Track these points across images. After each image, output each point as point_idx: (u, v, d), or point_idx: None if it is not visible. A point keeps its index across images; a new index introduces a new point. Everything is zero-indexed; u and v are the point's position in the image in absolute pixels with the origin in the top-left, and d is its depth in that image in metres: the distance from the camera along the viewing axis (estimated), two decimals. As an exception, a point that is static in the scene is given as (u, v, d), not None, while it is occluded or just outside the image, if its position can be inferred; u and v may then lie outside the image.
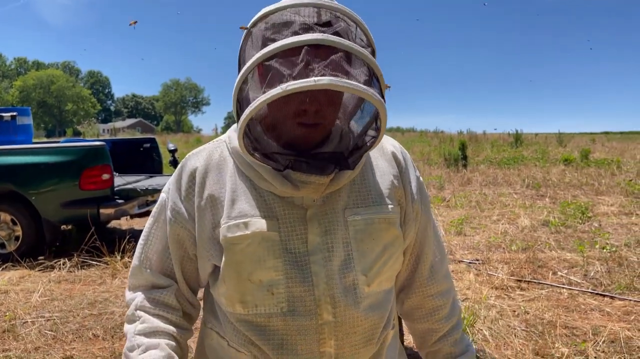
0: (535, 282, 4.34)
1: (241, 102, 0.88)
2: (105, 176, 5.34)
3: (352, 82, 0.80)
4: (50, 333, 3.50)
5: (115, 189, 5.54)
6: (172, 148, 7.04)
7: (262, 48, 0.88)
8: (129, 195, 5.61)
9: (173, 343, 1.01)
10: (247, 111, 0.83)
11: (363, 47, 0.90)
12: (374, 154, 1.08)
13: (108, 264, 4.95)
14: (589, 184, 9.89)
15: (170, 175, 1.09)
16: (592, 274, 4.47)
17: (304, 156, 0.91)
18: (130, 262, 4.86)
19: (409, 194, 1.08)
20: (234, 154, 1.02)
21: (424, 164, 13.96)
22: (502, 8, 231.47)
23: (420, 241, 1.14)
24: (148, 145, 7.19)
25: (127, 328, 1.04)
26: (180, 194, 1.03)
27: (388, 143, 1.12)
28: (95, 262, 5.06)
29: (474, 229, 6.40)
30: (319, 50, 0.83)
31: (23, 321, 3.70)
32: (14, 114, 6.37)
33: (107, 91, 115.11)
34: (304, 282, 0.95)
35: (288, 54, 0.83)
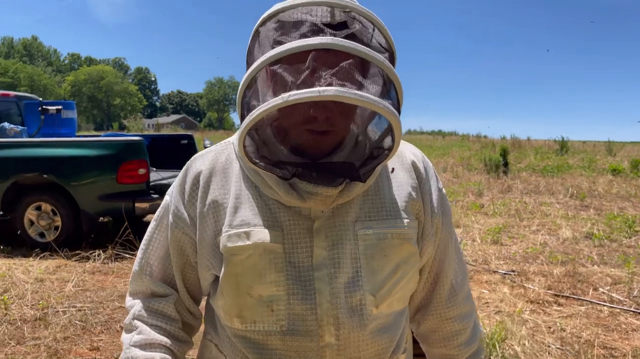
0: (574, 297, 4.14)
1: (244, 107, 0.82)
2: (142, 171, 5.43)
3: (361, 93, 0.73)
4: (79, 323, 3.56)
5: (151, 183, 5.63)
6: (209, 145, 7.11)
7: (269, 50, 0.82)
8: (164, 190, 5.68)
9: (168, 357, 0.97)
10: (245, 121, 0.78)
11: (380, 51, 0.83)
12: (391, 162, 1.01)
13: (141, 258, 5.03)
14: (639, 196, 9.43)
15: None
16: (636, 293, 4.23)
17: (312, 165, 0.85)
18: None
19: (428, 207, 1.00)
20: (241, 158, 0.96)
21: (464, 169, 13.66)
22: (553, 8, 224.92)
23: (440, 259, 1.05)
24: (185, 141, 7.29)
25: (124, 337, 1.00)
26: (184, 198, 0.98)
27: (408, 151, 1.04)
28: (128, 255, 5.15)
29: (512, 239, 6.19)
30: (328, 56, 0.76)
31: (55, 310, 3.78)
32: (59, 107, 6.57)
33: (153, 87, 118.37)
34: (306, 299, 0.89)
35: (294, 59, 0.77)
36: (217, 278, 0.97)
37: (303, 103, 0.76)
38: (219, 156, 1.00)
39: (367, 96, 0.74)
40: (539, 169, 13.89)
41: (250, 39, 0.88)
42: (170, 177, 6.30)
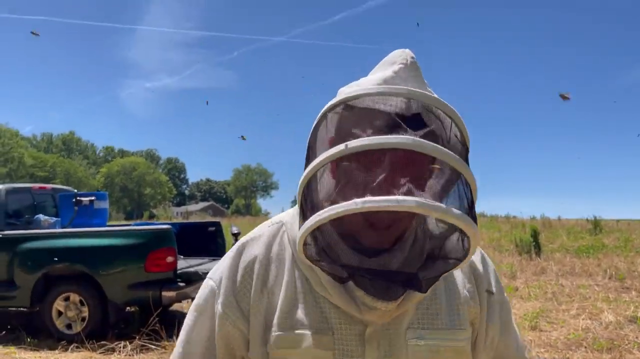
0: (624, 389, 3.84)
1: (306, 200, 0.77)
2: (170, 259, 5.46)
3: (442, 205, 0.69)
4: (102, 420, 3.44)
5: (178, 271, 5.62)
6: (235, 231, 7.15)
7: (336, 138, 0.78)
8: (191, 278, 5.67)
9: None
10: (312, 220, 0.72)
11: (459, 151, 0.76)
12: None
13: (166, 349, 4.92)
14: (682, 276, 8.97)
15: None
16: (693, 383, 3.90)
17: (372, 272, 0.78)
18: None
19: (484, 314, 0.95)
20: (293, 245, 0.91)
21: (494, 251, 13.31)
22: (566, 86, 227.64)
23: None
24: (213, 228, 7.37)
25: None
26: (235, 286, 0.91)
27: None
28: (153, 346, 5.04)
29: (551, 324, 5.87)
30: (406, 157, 0.71)
31: (78, 406, 3.67)
32: (92, 198, 6.78)
33: (182, 176, 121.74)
34: None
35: (367, 156, 0.71)
36: None
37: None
38: (273, 241, 0.93)
39: (452, 210, 0.69)
40: (573, 249, 13.44)
41: (315, 123, 0.80)
42: (197, 265, 6.30)
